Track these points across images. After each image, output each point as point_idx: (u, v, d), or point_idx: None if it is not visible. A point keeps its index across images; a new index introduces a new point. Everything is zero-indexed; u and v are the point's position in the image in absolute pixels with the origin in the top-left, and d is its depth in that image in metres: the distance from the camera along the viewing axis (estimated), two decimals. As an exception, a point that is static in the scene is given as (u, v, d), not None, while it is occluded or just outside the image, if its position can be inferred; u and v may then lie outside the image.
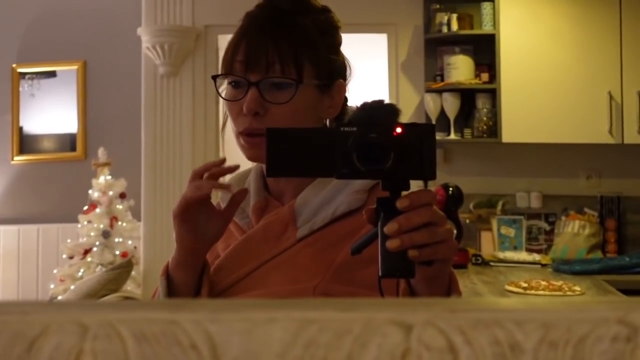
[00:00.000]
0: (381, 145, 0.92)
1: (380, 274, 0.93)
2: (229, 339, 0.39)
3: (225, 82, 1.27)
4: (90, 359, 0.39)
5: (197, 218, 1.16)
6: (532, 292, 3.16)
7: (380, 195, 0.95)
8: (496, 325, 0.41)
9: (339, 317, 0.40)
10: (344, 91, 1.32)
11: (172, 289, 1.21)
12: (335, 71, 1.31)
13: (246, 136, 1.23)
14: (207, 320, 0.39)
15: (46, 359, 0.39)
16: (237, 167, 1.20)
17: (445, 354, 0.40)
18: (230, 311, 0.40)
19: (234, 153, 1.30)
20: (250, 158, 1.26)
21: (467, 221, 4.29)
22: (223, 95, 1.27)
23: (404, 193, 0.94)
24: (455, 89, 4.35)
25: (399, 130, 0.93)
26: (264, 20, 1.25)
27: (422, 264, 0.94)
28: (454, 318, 0.41)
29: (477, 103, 4.35)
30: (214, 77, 1.29)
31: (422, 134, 0.94)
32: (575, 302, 0.43)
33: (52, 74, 6.05)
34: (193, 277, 1.21)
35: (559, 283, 3.29)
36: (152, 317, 0.39)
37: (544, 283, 3.29)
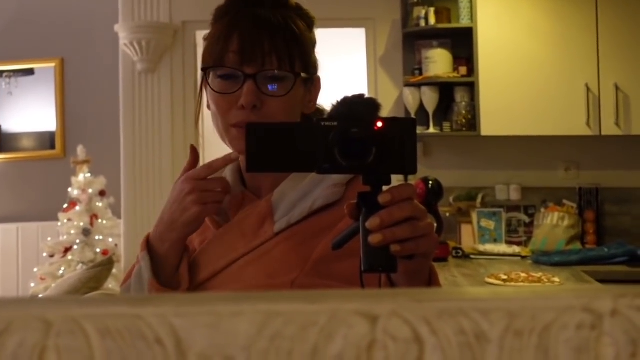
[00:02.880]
0: (363, 140, 0.92)
1: (362, 268, 0.93)
2: (194, 332, 0.39)
3: (211, 75, 1.25)
4: (55, 356, 0.39)
5: None
6: (512, 284, 3.18)
7: (359, 189, 0.95)
8: (461, 314, 0.41)
9: (305, 309, 0.40)
10: (320, 87, 1.33)
11: (155, 260, 1.22)
12: (316, 66, 1.31)
13: (241, 129, 1.18)
14: (172, 315, 0.39)
15: (10, 356, 0.39)
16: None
17: (411, 345, 0.40)
18: (195, 305, 0.40)
19: (213, 148, 1.29)
20: (242, 151, 1.24)
21: (447, 214, 4.31)
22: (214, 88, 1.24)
23: (385, 188, 0.94)
24: (434, 83, 4.36)
25: (380, 124, 0.93)
26: (255, 13, 1.23)
27: (404, 258, 0.94)
28: (420, 308, 0.41)
29: (456, 97, 4.36)
30: (205, 69, 1.25)
31: (404, 128, 0.94)
32: (540, 291, 0.43)
33: (30, 72, 6.00)
34: (175, 253, 1.22)
35: (539, 274, 3.31)
36: (116, 312, 0.39)
37: (523, 275, 3.30)
